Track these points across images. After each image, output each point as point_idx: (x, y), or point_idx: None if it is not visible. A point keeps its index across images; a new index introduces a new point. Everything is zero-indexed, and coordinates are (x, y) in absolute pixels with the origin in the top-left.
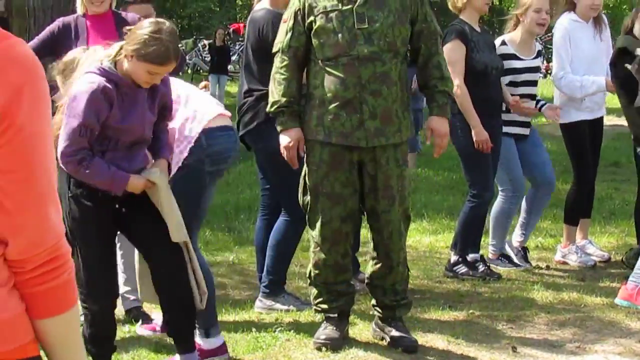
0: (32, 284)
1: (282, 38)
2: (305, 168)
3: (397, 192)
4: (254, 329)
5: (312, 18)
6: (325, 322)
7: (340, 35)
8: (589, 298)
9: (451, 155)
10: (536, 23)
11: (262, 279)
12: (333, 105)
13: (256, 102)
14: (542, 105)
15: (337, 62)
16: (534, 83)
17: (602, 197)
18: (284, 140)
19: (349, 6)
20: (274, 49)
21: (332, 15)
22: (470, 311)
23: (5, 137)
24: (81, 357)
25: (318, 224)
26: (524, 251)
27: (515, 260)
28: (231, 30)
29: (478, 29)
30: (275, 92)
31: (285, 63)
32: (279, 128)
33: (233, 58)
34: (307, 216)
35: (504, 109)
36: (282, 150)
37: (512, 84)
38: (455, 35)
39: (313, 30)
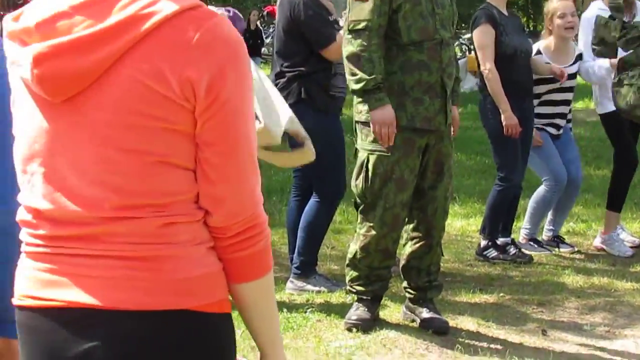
0: (231, 250)
1: (366, 16)
2: (365, 153)
3: (446, 169)
4: (285, 310)
5: (400, 1)
6: (357, 302)
7: (426, 19)
8: (619, 283)
9: (483, 139)
10: (564, 28)
11: (293, 260)
12: (416, 89)
13: (288, 83)
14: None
15: (421, 46)
16: (570, 89)
17: (634, 183)
18: (386, 115)
19: None
20: (355, 27)
21: None
22: (501, 294)
23: (210, 111)
24: (276, 321)
25: (379, 209)
26: (557, 240)
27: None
28: (265, 12)
29: (506, 13)
30: (368, 69)
31: (375, 41)
32: (375, 104)
33: (267, 41)
34: (364, 201)
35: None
36: (380, 126)
37: (548, 92)
38: (485, 20)
39: (402, 12)
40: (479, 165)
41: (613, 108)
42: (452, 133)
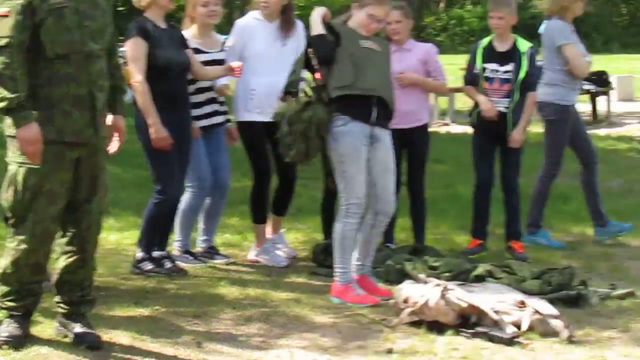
0: None
1: (8, 33)
2: (15, 166)
3: (100, 182)
4: None
5: (42, 14)
6: (7, 319)
7: (72, 32)
8: (274, 293)
9: (140, 151)
10: (207, 16)
11: None
12: (64, 102)
13: None
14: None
15: (68, 59)
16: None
17: (298, 192)
18: (31, 133)
19: (72, 3)
20: None
21: (64, 11)
22: (156, 307)
23: None
24: None
25: (29, 223)
26: (211, 251)
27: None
28: None
29: (164, 26)
30: (11, 87)
31: (17, 58)
32: (20, 122)
33: None
34: (14, 214)
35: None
36: (29, 144)
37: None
38: (136, 32)
39: (44, 26)
40: (135, 178)
41: (248, 119)
42: (119, 142)
